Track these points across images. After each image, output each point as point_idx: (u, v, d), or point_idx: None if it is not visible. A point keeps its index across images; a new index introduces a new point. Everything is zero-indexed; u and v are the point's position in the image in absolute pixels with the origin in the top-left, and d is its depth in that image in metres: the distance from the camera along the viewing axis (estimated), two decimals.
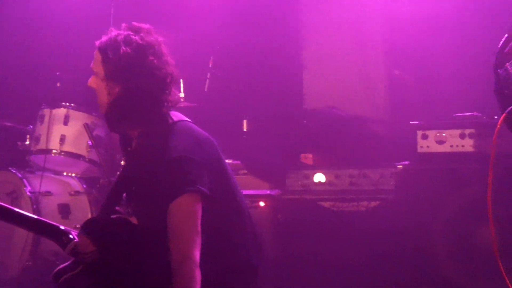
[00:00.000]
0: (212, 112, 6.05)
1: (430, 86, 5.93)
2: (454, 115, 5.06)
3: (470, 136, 4.85)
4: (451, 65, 5.88)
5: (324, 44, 6.52)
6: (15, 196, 5.71)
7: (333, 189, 5.25)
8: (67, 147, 5.89)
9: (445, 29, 5.94)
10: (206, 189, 3.01)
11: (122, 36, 3.12)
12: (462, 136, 4.87)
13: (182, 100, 5.79)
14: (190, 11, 6.59)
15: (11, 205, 3.22)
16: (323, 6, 6.56)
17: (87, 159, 5.94)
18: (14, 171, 5.83)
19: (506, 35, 3.75)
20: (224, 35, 6.50)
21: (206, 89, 6.09)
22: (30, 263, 5.56)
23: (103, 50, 3.13)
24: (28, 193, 5.67)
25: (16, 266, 5.58)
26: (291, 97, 6.62)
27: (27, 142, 6.06)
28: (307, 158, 5.43)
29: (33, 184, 5.77)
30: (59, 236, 3.19)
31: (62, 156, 5.89)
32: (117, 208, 3.32)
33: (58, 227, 3.20)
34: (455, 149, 4.88)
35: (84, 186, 6.04)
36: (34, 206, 5.62)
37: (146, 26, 3.19)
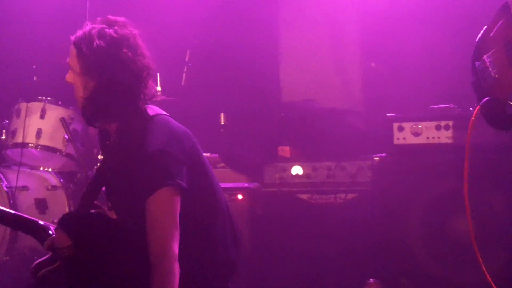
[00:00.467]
0: (190, 105, 6.04)
1: (406, 78, 5.96)
2: (430, 107, 5.10)
3: (446, 128, 4.89)
4: (427, 57, 5.91)
5: (301, 37, 6.54)
6: None
7: (310, 181, 5.27)
8: (43, 141, 5.85)
9: (420, 21, 5.97)
10: (184, 183, 3.01)
11: (96, 30, 3.10)
12: (438, 128, 4.90)
13: (159, 93, 5.78)
14: (167, 4, 6.57)
15: None
16: (300, 1, 6.58)
17: (64, 153, 5.90)
18: None
19: (485, 27, 3.78)
20: (201, 28, 6.49)
21: (183, 83, 6.08)
22: (7, 258, 5.53)
23: (77, 44, 3.12)
24: (5, 188, 5.63)
25: None
26: (268, 90, 6.63)
27: (3, 137, 6.01)
28: (285, 151, 5.45)
29: (9, 179, 5.73)
30: (38, 232, 3.19)
31: (38, 150, 5.85)
32: (96, 202, 3.31)
33: (37, 222, 3.20)
34: (431, 141, 4.92)
35: (61, 180, 6.01)
36: (11, 201, 5.59)
37: (121, 19, 3.18)
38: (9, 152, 5.97)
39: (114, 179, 3.19)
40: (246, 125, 6.14)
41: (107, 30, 3.10)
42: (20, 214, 3.30)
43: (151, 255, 2.92)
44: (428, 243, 4.84)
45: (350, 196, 5.16)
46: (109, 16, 3.18)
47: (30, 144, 5.83)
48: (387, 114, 5.08)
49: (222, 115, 6.00)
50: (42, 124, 5.86)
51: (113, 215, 3.28)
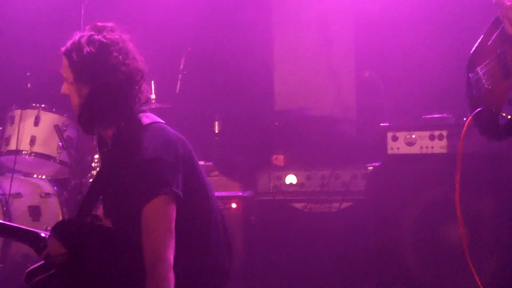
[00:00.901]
0: (184, 113, 6.04)
1: (400, 87, 5.98)
2: (424, 116, 5.11)
3: (440, 137, 4.91)
4: (421, 66, 5.93)
5: (295, 45, 6.56)
6: None
7: (304, 190, 5.28)
8: (37, 148, 5.84)
9: (415, 30, 5.99)
10: (180, 191, 3.01)
11: (85, 37, 3.12)
12: (431, 138, 4.92)
13: (153, 101, 5.78)
14: (161, 12, 6.57)
15: None
16: (293, 8, 6.60)
17: (57, 160, 5.89)
18: None
19: (479, 40, 3.80)
20: (195, 36, 6.50)
21: (177, 91, 6.09)
22: (0, 265, 5.52)
23: (68, 54, 3.14)
24: None
25: None
26: (262, 99, 6.64)
27: None
28: (278, 159, 5.45)
29: (3, 186, 5.72)
30: (37, 242, 3.19)
31: (32, 157, 5.85)
32: (93, 210, 3.31)
33: (38, 234, 3.21)
34: (424, 151, 4.93)
35: (55, 188, 6.00)
36: (4, 208, 5.57)
37: (109, 24, 3.19)
38: (2, 159, 5.96)
39: (109, 187, 3.19)
40: (240, 133, 6.14)
41: (96, 36, 3.11)
42: (20, 226, 3.32)
43: (146, 262, 2.92)
44: (421, 251, 4.85)
45: (344, 205, 5.17)
46: (98, 23, 3.19)
47: (24, 151, 5.82)
48: (381, 124, 5.09)
49: (216, 123, 6.00)
50: (36, 131, 5.85)
51: (109, 222, 3.27)
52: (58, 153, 5.87)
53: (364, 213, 5.04)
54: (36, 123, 5.87)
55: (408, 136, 4.95)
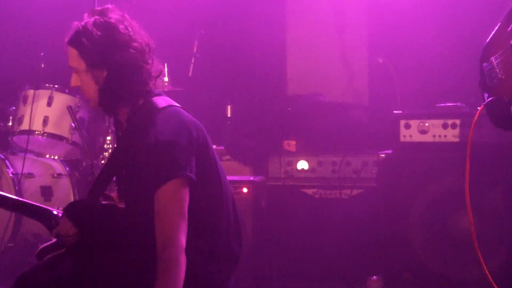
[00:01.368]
0: (196, 97, 6.05)
1: (413, 75, 5.96)
2: (437, 105, 5.10)
3: (453, 126, 4.89)
4: (435, 54, 5.91)
5: (308, 31, 6.55)
6: None
7: (316, 176, 5.28)
8: (50, 129, 5.86)
9: (429, 18, 5.97)
10: (194, 175, 3.02)
11: (91, 22, 3.09)
12: (444, 126, 4.90)
13: (166, 84, 5.78)
14: None
15: None
16: None
17: (70, 141, 5.91)
18: None
19: (495, 29, 3.78)
20: (208, 20, 6.49)
21: (190, 74, 6.08)
22: (11, 244, 5.56)
23: (75, 42, 3.10)
24: (10, 175, 5.65)
25: None
26: (275, 84, 6.64)
27: (10, 123, 6.02)
28: (290, 145, 5.45)
29: (15, 166, 5.75)
30: (49, 220, 3.21)
31: (45, 137, 5.87)
32: (106, 192, 3.32)
33: (51, 211, 3.23)
34: (437, 139, 4.92)
35: (67, 168, 6.02)
36: (16, 188, 5.60)
37: (107, 6, 3.18)
38: (15, 138, 5.98)
39: (123, 169, 3.20)
40: (252, 118, 6.14)
41: (101, 19, 3.10)
42: (33, 203, 3.34)
43: (157, 245, 2.92)
44: (431, 240, 4.85)
45: (355, 191, 5.17)
46: (95, 8, 3.18)
47: (36, 132, 5.84)
48: (394, 111, 5.08)
49: (228, 107, 6.01)
50: (49, 111, 5.87)
51: (122, 204, 3.28)
52: (70, 134, 5.89)
53: (374, 200, 5.04)
54: (49, 104, 5.88)
55: (421, 124, 4.94)
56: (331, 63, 6.47)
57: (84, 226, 3.07)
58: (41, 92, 5.90)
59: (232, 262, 3.29)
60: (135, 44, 3.11)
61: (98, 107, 3.19)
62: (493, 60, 3.73)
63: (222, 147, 5.50)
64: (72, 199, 5.88)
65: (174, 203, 2.96)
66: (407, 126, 4.96)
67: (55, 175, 5.92)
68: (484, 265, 3.74)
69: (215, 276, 3.18)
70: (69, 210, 3.12)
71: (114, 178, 3.30)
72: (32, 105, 5.84)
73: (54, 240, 3.20)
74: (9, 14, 6.72)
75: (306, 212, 5.20)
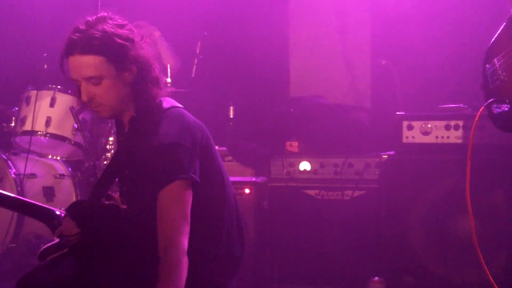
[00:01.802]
0: (199, 98, 6.05)
1: (416, 76, 5.96)
2: (440, 106, 5.10)
3: (456, 127, 4.89)
4: (437, 56, 5.91)
5: (311, 33, 6.55)
6: None
7: (318, 177, 5.27)
8: (52, 129, 5.87)
9: (432, 19, 5.97)
10: (197, 177, 3.02)
11: (108, 27, 3.05)
12: (447, 128, 4.90)
13: (169, 85, 5.79)
14: None
15: None
16: None
17: (72, 142, 5.92)
18: None
19: (498, 32, 3.79)
20: (211, 21, 6.50)
21: (193, 75, 6.09)
22: (13, 245, 5.56)
23: (100, 48, 3.01)
24: (13, 175, 5.65)
25: None
26: (277, 85, 6.64)
27: (12, 124, 6.03)
28: (293, 146, 5.45)
29: (17, 166, 5.76)
30: (51, 220, 3.21)
31: (47, 138, 5.88)
32: (108, 192, 3.32)
33: (53, 211, 3.23)
34: (440, 140, 4.91)
35: (69, 169, 6.03)
36: (19, 188, 5.61)
37: (103, 14, 3.12)
38: (18, 139, 6.00)
39: (126, 169, 3.20)
40: (254, 119, 6.14)
41: (113, 23, 3.08)
42: (35, 202, 3.35)
43: (159, 247, 2.92)
44: (433, 242, 4.84)
45: (357, 193, 5.16)
46: (92, 17, 3.08)
47: (39, 132, 5.86)
48: (397, 112, 5.08)
49: (231, 108, 6.01)
50: (51, 112, 5.89)
51: (124, 205, 3.28)
52: (73, 134, 5.90)
53: (377, 202, 5.04)
54: (52, 104, 5.90)
55: (423, 126, 4.94)
56: (334, 65, 6.46)
57: (87, 226, 3.06)
58: (44, 93, 5.92)
59: (234, 264, 3.29)
60: (144, 44, 3.14)
61: (114, 115, 3.16)
62: (496, 62, 3.74)
63: (224, 148, 5.51)
64: (74, 199, 5.89)
65: (176, 205, 2.96)
66: (410, 128, 4.96)
67: (58, 176, 5.93)
68: (485, 267, 3.74)
69: (216, 277, 3.18)
70: (72, 210, 3.13)
71: (117, 179, 3.30)
72: (34, 105, 5.85)
73: (56, 240, 3.20)
74: (12, 14, 6.74)
75: (308, 214, 5.20)
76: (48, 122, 5.84)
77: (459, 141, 4.87)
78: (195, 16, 6.45)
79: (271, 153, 5.42)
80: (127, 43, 3.05)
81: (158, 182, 2.96)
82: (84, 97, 3.09)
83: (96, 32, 3.02)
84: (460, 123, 4.87)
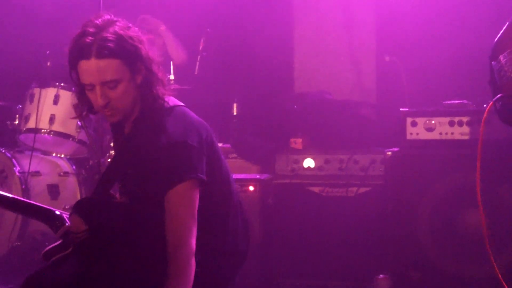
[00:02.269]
0: (202, 95, 6.04)
1: (421, 72, 5.95)
2: (444, 102, 5.09)
3: (459, 123, 4.88)
4: (442, 52, 5.89)
5: (316, 28, 6.54)
6: (4, 176, 5.69)
7: (322, 174, 5.27)
8: (56, 127, 5.86)
9: (437, 15, 5.96)
10: (205, 176, 3.02)
11: (119, 31, 3.02)
12: (451, 124, 4.89)
13: (172, 82, 5.78)
14: None
15: (0, 185, 3.24)
16: None
17: (76, 140, 5.92)
18: (3, 151, 5.80)
19: (503, 28, 3.79)
20: (214, 18, 6.49)
21: (196, 72, 6.08)
22: (19, 243, 5.56)
23: (116, 53, 2.98)
24: (17, 173, 5.65)
25: (4, 246, 5.57)
26: (282, 81, 6.63)
27: (16, 122, 6.03)
28: (297, 142, 5.44)
29: (22, 164, 5.75)
30: (53, 220, 3.20)
31: (51, 135, 5.87)
32: (111, 191, 3.31)
33: (53, 212, 3.22)
34: (444, 137, 4.91)
35: (73, 167, 6.03)
36: (23, 186, 5.61)
37: (106, 16, 3.10)
38: (22, 137, 5.99)
39: (132, 169, 3.19)
40: (258, 116, 6.14)
41: (117, 25, 3.06)
42: (35, 203, 3.33)
43: (168, 247, 2.92)
44: (439, 238, 4.84)
45: (362, 189, 5.16)
46: (97, 20, 3.05)
47: (43, 130, 5.85)
48: (401, 109, 5.07)
49: (234, 105, 6.00)
50: (55, 109, 5.87)
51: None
52: (77, 132, 5.90)
53: (382, 198, 5.03)
54: (56, 102, 5.89)
55: (427, 122, 4.93)
56: (339, 61, 6.46)
57: (94, 223, 3.06)
58: (48, 90, 5.90)
59: (240, 258, 3.30)
60: (147, 43, 3.13)
61: (124, 119, 3.15)
62: (502, 59, 3.73)
63: (229, 145, 5.50)
64: (78, 197, 5.89)
65: (185, 205, 2.96)
66: (414, 124, 4.96)
67: (62, 174, 5.93)
68: (494, 264, 3.74)
69: (222, 272, 3.19)
70: (79, 207, 3.12)
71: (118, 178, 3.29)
72: (38, 103, 5.84)
73: (59, 241, 3.20)
74: (15, 12, 6.73)
75: (313, 210, 5.20)
76: (52, 119, 5.83)
77: (463, 137, 4.87)
78: (198, 13, 6.44)
79: (276, 149, 5.41)
80: (139, 45, 3.04)
81: (167, 182, 2.96)
82: (102, 102, 3.03)
83: (109, 35, 2.98)
84: (464, 119, 4.87)
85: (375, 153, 5.20)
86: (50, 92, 5.90)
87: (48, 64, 6.05)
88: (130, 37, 3.02)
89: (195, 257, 2.95)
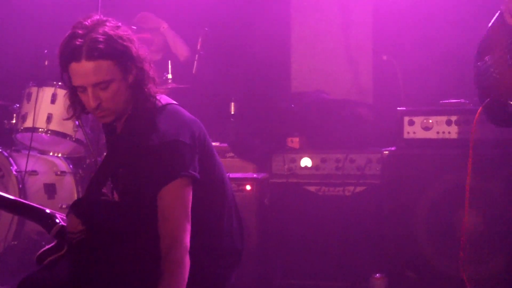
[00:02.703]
0: (200, 94, 6.04)
1: (417, 72, 5.95)
2: (441, 101, 5.09)
3: (456, 123, 4.89)
4: (439, 51, 5.90)
5: (313, 28, 6.54)
6: (1, 175, 5.69)
7: (319, 173, 5.27)
8: (54, 126, 5.86)
9: (434, 15, 5.96)
10: (197, 174, 3.01)
11: (109, 31, 3.00)
12: (448, 123, 4.90)
13: (170, 81, 5.79)
14: None
15: None
16: None
17: (73, 139, 5.91)
18: (0, 150, 5.80)
19: (487, 29, 3.80)
20: (212, 17, 6.48)
21: (194, 71, 6.08)
22: (15, 242, 5.56)
23: (107, 54, 2.97)
24: (14, 172, 5.65)
25: (0, 246, 5.57)
26: (279, 81, 6.63)
27: (13, 121, 6.03)
28: (294, 142, 5.44)
29: (19, 163, 5.75)
30: (45, 219, 3.19)
31: (48, 134, 5.87)
32: (103, 190, 3.31)
33: (44, 210, 3.20)
34: (441, 136, 4.91)
35: (70, 166, 6.03)
36: (20, 186, 5.60)
37: (97, 17, 3.09)
38: (19, 136, 5.99)
39: (124, 168, 3.19)
40: (255, 115, 6.14)
41: (106, 25, 3.04)
42: (26, 202, 3.31)
43: (162, 245, 2.91)
44: (435, 237, 4.84)
45: (358, 189, 5.16)
46: (86, 21, 3.03)
47: (40, 129, 5.84)
48: (398, 108, 5.08)
49: (232, 104, 6.00)
50: (52, 108, 5.87)
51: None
52: (74, 131, 5.89)
53: (378, 197, 5.04)
54: (53, 101, 5.88)
55: (424, 121, 4.93)
56: (336, 61, 6.46)
57: (92, 223, 3.06)
58: (45, 89, 5.90)
59: (236, 256, 3.30)
60: (138, 42, 3.12)
61: (116, 119, 3.14)
62: (487, 60, 3.74)
63: (226, 144, 5.50)
64: (75, 197, 5.89)
65: (178, 203, 2.96)
66: (411, 123, 4.96)
67: (59, 173, 5.93)
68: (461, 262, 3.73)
69: (219, 270, 3.19)
70: (76, 207, 3.12)
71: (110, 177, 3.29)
72: (36, 102, 5.83)
73: (53, 243, 3.19)
74: (13, 11, 6.73)
75: (309, 209, 5.20)
76: (49, 118, 5.83)
77: (460, 136, 4.87)
78: (196, 12, 6.44)
79: (272, 149, 5.41)
80: (129, 44, 3.04)
81: (160, 180, 2.95)
82: (94, 103, 3.02)
83: (99, 36, 2.96)
84: (461, 118, 4.87)
85: (372, 152, 5.20)
86: (48, 91, 5.90)
87: (46, 63, 6.05)
88: (120, 37, 3.01)
89: (191, 257, 2.95)
